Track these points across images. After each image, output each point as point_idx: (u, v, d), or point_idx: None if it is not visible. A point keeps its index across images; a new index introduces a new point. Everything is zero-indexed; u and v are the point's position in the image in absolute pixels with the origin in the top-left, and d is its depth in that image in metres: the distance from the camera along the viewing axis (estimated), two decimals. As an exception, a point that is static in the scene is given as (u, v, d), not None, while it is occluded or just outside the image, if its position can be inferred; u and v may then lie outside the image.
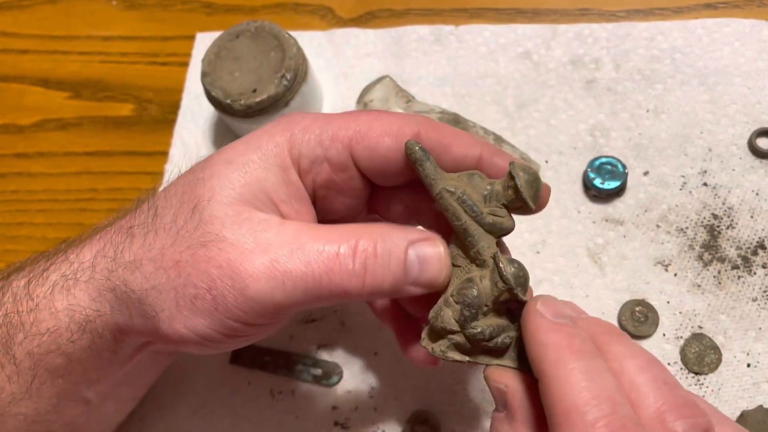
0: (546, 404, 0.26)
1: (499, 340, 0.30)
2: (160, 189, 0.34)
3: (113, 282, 0.32)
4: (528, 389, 0.28)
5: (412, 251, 0.31)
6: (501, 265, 0.29)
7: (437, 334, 0.31)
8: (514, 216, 0.32)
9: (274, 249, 0.30)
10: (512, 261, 0.29)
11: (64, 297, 0.32)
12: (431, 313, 0.31)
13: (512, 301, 0.30)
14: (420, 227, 0.34)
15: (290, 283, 0.29)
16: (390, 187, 0.34)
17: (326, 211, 0.34)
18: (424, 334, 0.32)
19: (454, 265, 0.32)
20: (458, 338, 0.30)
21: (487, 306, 0.30)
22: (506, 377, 0.29)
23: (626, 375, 0.26)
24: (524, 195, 0.30)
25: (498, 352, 0.30)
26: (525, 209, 0.31)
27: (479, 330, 0.30)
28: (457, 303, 0.30)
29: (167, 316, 0.31)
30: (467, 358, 0.31)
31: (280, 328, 0.39)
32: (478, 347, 0.30)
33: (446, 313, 0.31)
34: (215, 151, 0.33)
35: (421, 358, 0.37)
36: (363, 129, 0.32)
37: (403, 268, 0.31)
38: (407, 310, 0.38)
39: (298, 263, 0.29)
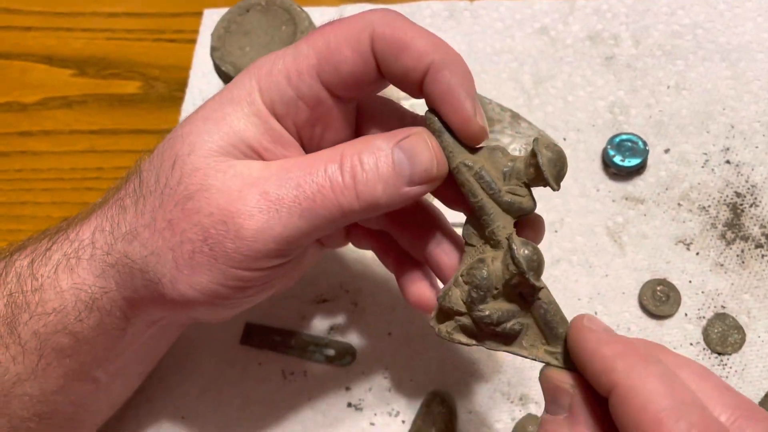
0: (626, 416, 0.24)
1: (508, 325, 0.28)
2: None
3: (114, 256, 0.31)
4: (586, 392, 0.27)
5: (397, 150, 0.29)
6: (514, 246, 0.27)
7: (445, 314, 0.30)
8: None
9: (261, 182, 0.29)
10: (527, 243, 0.28)
11: (68, 276, 0.32)
12: (440, 293, 0.30)
13: (525, 286, 0.28)
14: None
15: (285, 210, 0.28)
16: (374, 110, 0.33)
17: (317, 149, 0.32)
18: (433, 313, 0.31)
19: (467, 244, 0.30)
20: (465, 320, 0.29)
21: (497, 289, 0.28)
22: (570, 377, 0.27)
23: (688, 384, 0.25)
24: (546, 174, 0.28)
25: (507, 338, 0.29)
26: (550, 188, 0.29)
27: (487, 313, 0.28)
28: (466, 283, 0.29)
29: (169, 279, 0.30)
30: (474, 342, 0.30)
31: (292, 280, 0.38)
32: (486, 331, 0.29)
33: (454, 293, 0.29)
34: (194, 111, 0.32)
35: (419, 302, 0.35)
36: (323, 51, 0.29)
37: (392, 169, 0.29)
38: (409, 253, 0.36)
39: (288, 188, 0.28)
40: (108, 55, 0.56)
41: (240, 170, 0.29)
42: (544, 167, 0.28)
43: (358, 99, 0.32)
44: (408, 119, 0.33)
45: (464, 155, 0.29)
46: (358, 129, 0.34)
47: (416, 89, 0.30)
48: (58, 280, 0.32)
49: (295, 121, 0.31)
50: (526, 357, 0.29)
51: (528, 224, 0.31)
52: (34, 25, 0.58)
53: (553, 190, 0.29)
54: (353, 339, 0.44)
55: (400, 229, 0.36)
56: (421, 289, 0.35)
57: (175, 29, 0.56)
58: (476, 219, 0.30)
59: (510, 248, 0.28)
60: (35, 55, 0.57)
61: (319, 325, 0.45)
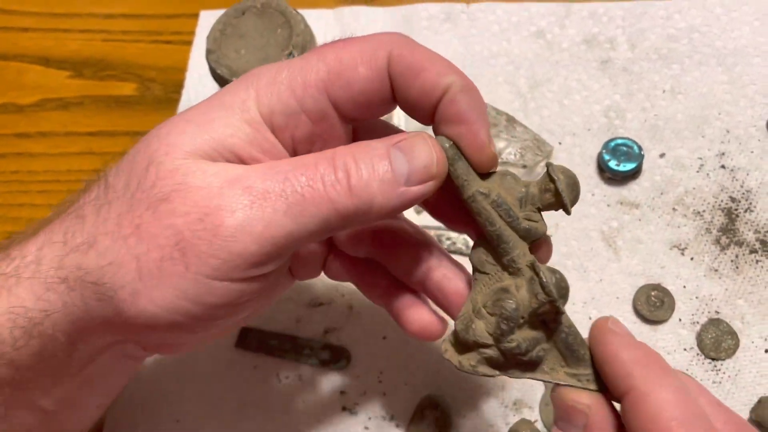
0: (637, 420, 0.24)
1: (534, 353, 0.28)
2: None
3: (65, 270, 0.27)
4: (601, 413, 0.27)
5: (394, 148, 0.27)
6: (543, 275, 0.27)
7: (465, 347, 0.29)
8: None
9: (245, 179, 0.26)
10: (554, 271, 0.28)
11: (5, 299, 0.28)
12: (459, 325, 0.29)
13: (550, 313, 0.28)
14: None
15: (269, 204, 0.25)
16: (372, 133, 0.31)
17: None
18: (446, 346, 0.30)
19: (480, 272, 0.29)
20: (491, 352, 0.28)
21: (523, 318, 0.28)
22: (585, 397, 0.27)
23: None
24: (565, 200, 0.28)
25: (531, 365, 0.29)
26: (564, 211, 0.29)
27: (515, 344, 0.28)
28: (491, 315, 0.28)
29: (129, 292, 0.26)
30: (497, 373, 0.29)
31: (256, 312, 0.34)
32: (512, 361, 0.29)
33: (479, 326, 0.28)
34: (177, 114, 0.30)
35: (423, 330, 0.34)
36: (334, 65, 0.27)
37: (388, 167, 0.27)
38: (401, 280, 0.35)
39: (276, 181, 0.26)
40: (105, 56, 0.56)
41: (221, 168, 0.27)
42: (564, 192, 0.28)
43: (362, 120, 0.30)
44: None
45: (479, 183, 0.29)
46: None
47: (428, 113, 0.28)
48: None
49: (293, 135, 0.29)
50: (549, 382, 0.29)
51: (538, 245, 0.30)
52: (31, 26, 0.58)
53: (568, 214, 0.29)
54: (348, 342, 0.44)
55: (394, 254, 0.34)
56: (423, 316, 0.34)
57: (171, 31, 0.56)
58: (491, 246, 0.29)
59: (539, 277, 0.27)
60: (32, 56, 0.57)
61: (315, 328, 0.45)
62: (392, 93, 0.28)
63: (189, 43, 0.55)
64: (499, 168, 0.29)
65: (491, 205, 0.28)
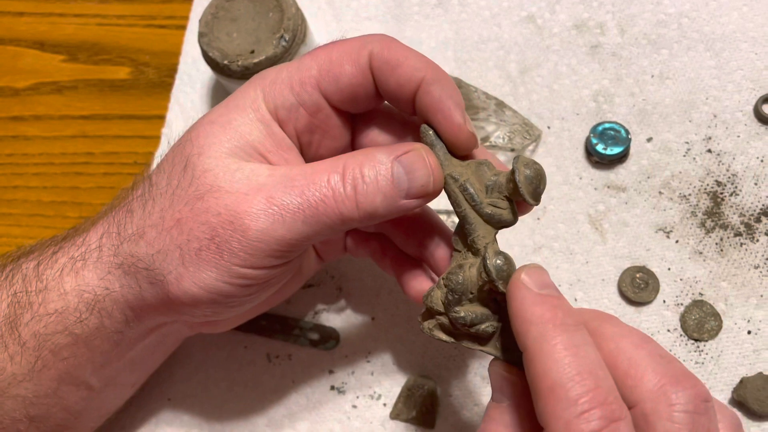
0: (530, 381, 0.25)
1: (481, 327, 0.30)
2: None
3: (120, 257, 0.32)
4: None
5: (397, 164, 0.31)
6: (487, 255, 0.29)
7: (428, 313, 0.32)
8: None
9: (268, 188, 0.30)
10: (500, 254, 0.29)
11: (73, 278, 0.33)
12: (424, 294, 0.32)
13: (496, 293, 0.30)
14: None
15: (289, 215, 0.30)
16: (370, 122, 0.35)
17: (314, 157, 0.35)
18: (422, 311, 0.32)
19: (455, 250, 0.32)
20: (444, 320, 0.31)
21: (472, 293, 0.30)
22: (514, 368, 0.29)
23: (623, 353, 0.26)
24: (522, 191, 0.30)
25: (482, 339, 0.31)
26: (524, 204, 0.31)
27: (461, 315, 0.30)
28: (445, 286, 0.31)
29: (175, 276, 0.31)
30: (452, 340, 0.31)
31: (290, 291, 0.40)
32: (462, 331, 0.31)
33: (436, 294, 0.31)
34: (200, 117, 0.34)
35: (416, 296, 0.37)
36: (324, 64, 0.32)
37: (391, 183, 0.30)
38: (405, 252, 0.38)
39: (293, 195, 0.30)
40: (99, 40, 0.57)
41: (247, 173, 0.31)
42: (521, 184, 0.30)
43: (355, 112, 0.34)
44: (410, 126, 0.35)
45: (452, 168, 0.31)
46: (358, 134, 0.35)
47: (409, 104, 0.32)
48: (62, 282, 0.33)
49: (295, 126, 0.33)
50: (493, 355, 0.30)
51: None
52: (26, 10, 0.59)
53: (530, 205, 0.31)
54: (337, 323, 0.45)
55: (396, 228, 0.38)
56: (422, 284, 0.37)
57: (165, 15, 0.57)
58: (461, 227, 0.32)
59: (483, 257, 0.29)
60: (27, 40, 0.58)
61: (304, 309, 0.45)
62: (375, 87, 0.32)
63: (183, 27, 0.55)
64: (482, 159, 0.32)
65: (458, 189, 0.31)
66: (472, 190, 0.31)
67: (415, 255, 0.38)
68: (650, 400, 0.25)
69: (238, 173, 0.31)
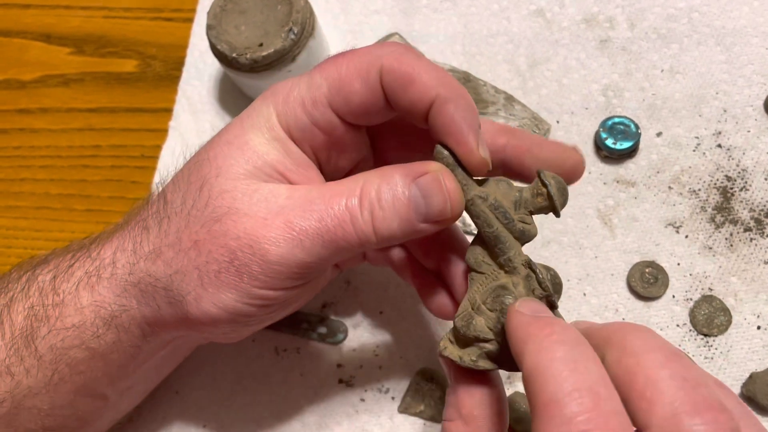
0: (528, 398, 0.24)
1: None
2: (167, 180, 0.34)
3: (137, 275, 0.32)
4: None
5: (414, 188, 0.30)
6: (539, 272, 0.29)
7: (465, 342, 0.30)
8: None
9: (287, 212, 0.30)
10: (548, 268, 0.30)
11: (89, 293, 0.33)
12: (459, 322, 0.30)
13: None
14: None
15: (308, 240, 0.30)
16: (390, 130, 0.34)
17: (334, 171, 0.34)
18: (445, 344, 0.31)
19: (476, 271, 0.31)
20: (491, 346, 0.29)
21: None
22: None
23: (642, 370, 0.23)
24: (556, 203, 0.30)
25: None
26: (554, 214, 0.31)
27: None
28: (491, 311, 0.29)
29: (194, 297, 0.31)
30: (496, 366, 0.30)
31: (308, 298, 0.39)
32: (509, 354, 0.28)
33: (478, 322, 0.30)
34: (215, 135, 0.33)
35: (441, 313, 0.36)
36: (334, 82, 0.31)
37: (408, 207, 0.30)
38: (424, 265, 0.38)
39: (312, 220, 0.30)
40: (106, 33, 0.57)
41: (265, 195, 0.30)
42: (555, 196, 0.30)
43: (370, 125, 0.33)
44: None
45: (476, 188, 0.31)
46: (378, 142, 0.35)
47: (422, 121, 0.31)
48: (78, 296, 0.33)
49: (311, 145, 0.32)
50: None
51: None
52: (33, 2, 0.58)
53: (557, 216, 0.31)
54: (346, 317, 0.45)
55: (415, 242, 0.37)
56: (442, 299, 0.36)
57: (172, 8, 0.56)
58: (488, 247, 0.31)
59: (536, 274, 0.29)
60: (33, 32, 0.57)
61: (312, 302, 0.45)
62: (387, 103, 0.31)
63: (190, 20, 0.55)
64: (498, 176, 0.32)
65: (489, 208, 0.30)
66: (503, 209, 0.30)
67: (435, 270, 0.37)
68: (659, 427, 0.22)
69: (257, 195, 0.30)
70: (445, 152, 0.30)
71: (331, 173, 0.34)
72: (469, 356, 0.29)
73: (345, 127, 0.32)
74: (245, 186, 0.30)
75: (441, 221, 0.30)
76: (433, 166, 0.30)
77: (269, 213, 0.30)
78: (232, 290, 0.30)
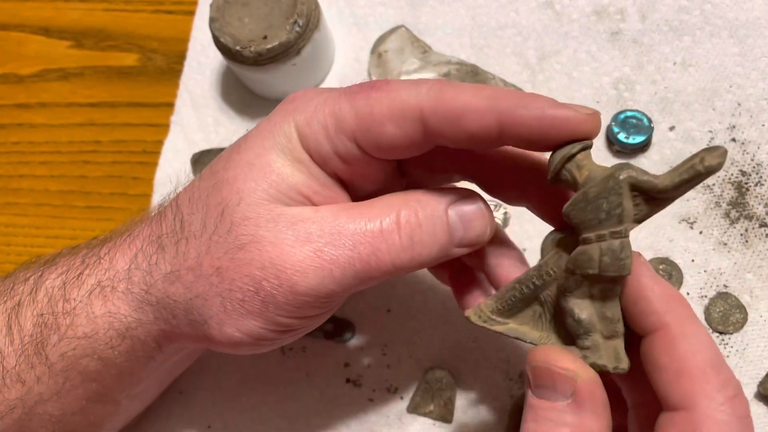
0: (668, 358, 0.26)
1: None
2: (180, 191, 0.32)
3: (155, 295, 0.31)
4: (590, 378, 0.27)
5: (453, 212, 0.29)
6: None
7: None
8: None
9: (315, 239, 0.28)
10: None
11: (102, 303, 0.32)
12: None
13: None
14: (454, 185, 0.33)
15: (338, 271, 0.28)
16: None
17: (360, 188, 0.32)
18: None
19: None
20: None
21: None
22: (575, 363, 0.27)
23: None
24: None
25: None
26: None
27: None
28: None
29: (217, 322, 0.30)
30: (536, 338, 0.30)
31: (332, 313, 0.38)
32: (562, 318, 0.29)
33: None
34: (230, 148, 0.31)
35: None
36: (363, 118, 0.29)
37: (447, 232, 0.29)
38: (463, 261, 0.36)
39: (343, 248, 0.28)
40: (106, 26, 0.56)
41: (291, 219, 0.29)
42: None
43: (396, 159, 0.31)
44: (462, 153, 0.32)
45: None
46: (406, 166, 0.33)
47: (492, 143, 0.28)
48: (91, 305, 0.32)
49: (334, 170, 0.31)
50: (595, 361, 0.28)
51: None
52: (31, -5, 0.57)
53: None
54: (353, 315, 0.44)
55: None
56: (479, 300, 0.34)
57: (173, 0, 0.55)
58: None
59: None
60: (32, 26, 0.57)
61: (318, 301, 0.44)
62: (423, 141, 0.29)
63: (191, 12, 0.54)
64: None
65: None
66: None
67: (475, 266, 0.35)
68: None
69: (282, 220, 0.29)
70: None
71: (357, 191, 0.32)
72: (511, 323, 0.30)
73: (369, 159, 0.30)
74: (268, 212, 0.29)
75: (476, 245, 0.30)
76: (469, 191, 0.30)
77: (296, 240, 0.28)
78: (257, 318, 0.29)
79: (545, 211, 0.32)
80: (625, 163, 0.27)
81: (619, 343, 0.28)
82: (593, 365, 0.28)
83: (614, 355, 0.28)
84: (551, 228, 0.31)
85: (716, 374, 0.25)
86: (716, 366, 0.25)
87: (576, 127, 0.27)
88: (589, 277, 0.27)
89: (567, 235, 0.29)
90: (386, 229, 0.29)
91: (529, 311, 0.30)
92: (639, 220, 0.27)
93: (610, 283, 0.27)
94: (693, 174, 0.26)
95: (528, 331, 0.30)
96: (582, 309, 0.28)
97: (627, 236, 0.27)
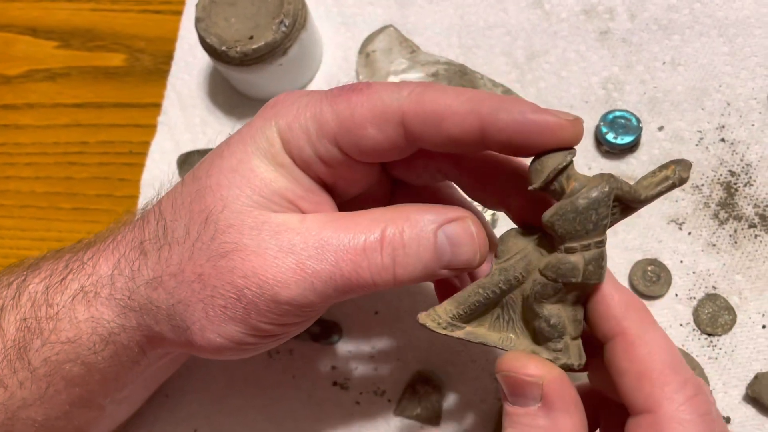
0: (628, 363, 0.26)
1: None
2: (163, 196, 0.32)
3: (137, 301, 0.31)
4: (556, 379, 0.27)
5: (441, 234, 0.29)
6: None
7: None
8: None
9: (298, 251, 0.28)
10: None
11: (86, 308, 0.31)
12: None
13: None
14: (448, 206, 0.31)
15: (320, 284, 0.28)
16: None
17: (344, 191, 0.32)
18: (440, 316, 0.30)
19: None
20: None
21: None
22: (539, 368, 0.27)
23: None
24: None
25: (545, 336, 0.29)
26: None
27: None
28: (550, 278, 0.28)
29: (199, 327, 0.30)
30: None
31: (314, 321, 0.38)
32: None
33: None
34: (212, 153, 0.31)
35: None
36: (344, 121, 0.28)
37: (433, 254, 0.29)
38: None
39: (326, 263, 0.28)
40: (93, 26, 0.55)
41: (275, 228, 0.29)
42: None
43: (379, 162, 0.31)
44: (448, 157, 0.32)
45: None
46: (391, 169, 0.33)
47: (473, 147, 0.28)
48: (74, 310, 0.31)
49: (316, 172, 0.30)
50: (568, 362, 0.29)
51: None
52: (18, -5, 0.57)
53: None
54: (340, 317, 0.44)
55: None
56: None
57: (161, 0, 0.55)
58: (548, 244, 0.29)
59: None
60: (19, 26, 0.56)
61: (306, 303, 0.44)
62: (405, 145, 0.29)
63: (179, 12, 0.54)
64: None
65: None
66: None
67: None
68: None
69: (266, 228, 0.29)
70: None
71: (341, 194, 0.32)
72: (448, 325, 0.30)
73: (352, 162, 0.30)
74: (253, 219, 0.29)
75: (464, 269, 0.30)
76: (461, 213, 0.29)
77: (280, 251, 0.28)
78: (239, 324, 0.29)
79: (521, 217, 0.31)
80: (609, 174, 0.28)
81: (579, 342, 0.29)
82: (563, 366, 0.28)
83: (578, 353, 0.29)
84: None
85: (675, 375, 0.26)
86: (675, 367, 0.26)
87: (557, 132, 0.26)
88: (568, 284, 0.27)
89: (540, 238, 0.29)
90: (369, 246, 0.28)
91: (488, 314, 0.30)
92: (609, 228, 0.28)
93: (583, 289, 0.28)
94: (669, 186, 0.28)
95: (487, 333, 0.30)
96: (556, 314, 0.28)
97: (605, 244, 0.27)
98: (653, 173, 0.28)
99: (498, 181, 0.31)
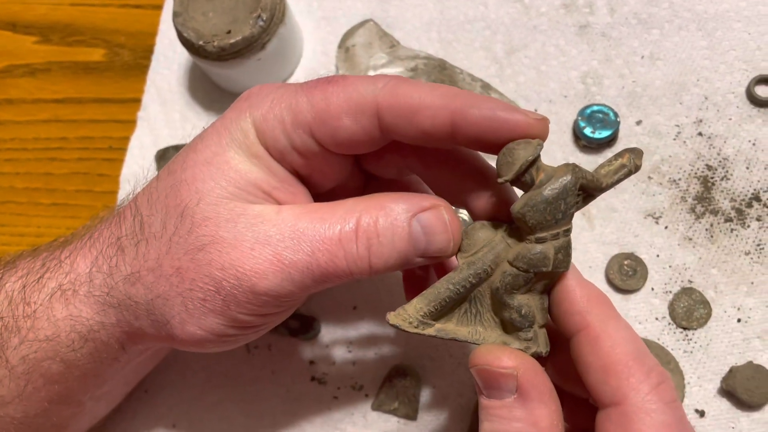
0: (593, 356, 0.27)
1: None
2: (139, 192, 0.32)
3: (116, 297, 0.31)
4: (530, 371, 0.27)
5: (416, 223, 0.29)
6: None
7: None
8: None
9: (275, 242, 0.28)
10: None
11: (64, 306, 0.31)
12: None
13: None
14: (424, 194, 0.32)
15: (297, 274, 0.28)
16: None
17: (319, 183, 0.32)
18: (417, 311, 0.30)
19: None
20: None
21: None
22: (512, 359, 0.27)
23: None
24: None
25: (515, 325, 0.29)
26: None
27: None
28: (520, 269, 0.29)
29: (179, 321, 0.30)
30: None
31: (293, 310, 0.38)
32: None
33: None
34: (187, 147, 0.31)
35: None
36: (320, 112, 0.29)
37: (408, 243, 0.29)
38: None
39: (302, 254, 0.28)
40: (73, 21, 0.55)
41: (251, 220, 0.29)
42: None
43: (353, 154, 0.32)
44: (423, 149, 0.32)
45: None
46: (365, 162, 0.33)
47: (445, 141, 0.29)
48: (52, 309, 0.31)
49: (291, 163, 0.30)
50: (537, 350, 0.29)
51: None
52: (-3, -11, 0.57)
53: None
54: (318, 312, 0.44)
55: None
56: None
57: (141, -5, 0.55)
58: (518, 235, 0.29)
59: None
60: (-1, 21, 0.56)
61: (284, 298, 0.44)
62: (379, 136, 0.29)
63: (159, 7, 0.54)
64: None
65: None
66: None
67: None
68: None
69: (242, 220, 0.29)
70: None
71: (316, 185, 0.32)
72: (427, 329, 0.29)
73: (327, 153, 0.30)
74: (229, 211, 0.29)
75: (439, 257, 0.30)
76: (435, 201, 0.29)
77: (256, 242, 0.28)
78: (219, 316, 0.29)
79: (483, 213, 0.31)
80: (573, 164, 0.28)
81: (545, 330, 0.30)
82: (534, 354, 0.29)
83: (545, 341, 0.29)
84: None
85: (639, 366, 0.26)
86: (639, 358, 0.26)
87: (524, 130, 0.27)
88: (539, 274, 0.28)
89: (506, 229, 0.29)
90: (344, 236, 0.28)
91: (456, 309, 0.30)
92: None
93: (551, 278, 0.28)
94: (626, 173, 0.28)
95: (456, 328, 0.30)
96: (526, 304, 0.28)
97: (571, 232, 0.28)
98: (609, 161, 0.29)
99: (462, 178, 0.31)
